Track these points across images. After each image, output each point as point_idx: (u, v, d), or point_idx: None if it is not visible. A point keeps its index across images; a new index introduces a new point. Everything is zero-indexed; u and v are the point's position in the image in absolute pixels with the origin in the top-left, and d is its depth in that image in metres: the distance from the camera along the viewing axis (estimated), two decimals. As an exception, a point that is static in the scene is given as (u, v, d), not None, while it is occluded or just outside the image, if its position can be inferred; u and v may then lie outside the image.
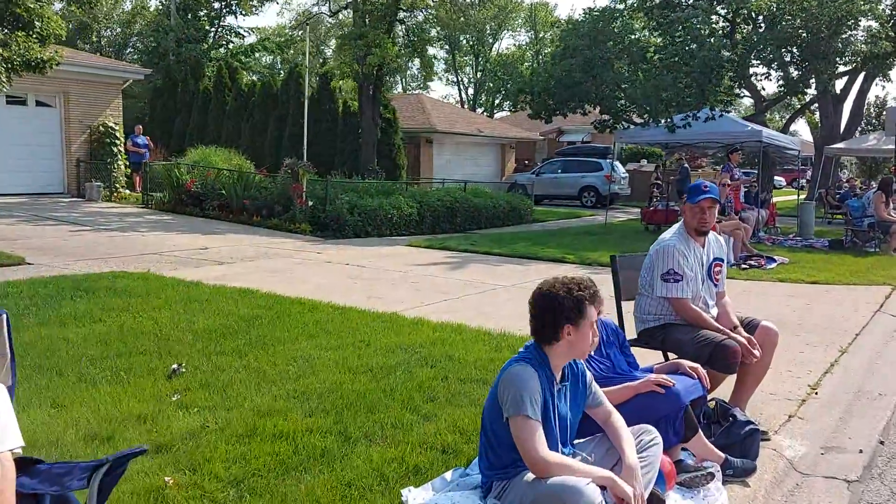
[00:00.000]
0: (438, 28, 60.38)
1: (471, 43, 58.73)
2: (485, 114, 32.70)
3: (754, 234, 14.15)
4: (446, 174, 24.60)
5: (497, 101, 56.12)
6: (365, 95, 18.29)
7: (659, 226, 14.67)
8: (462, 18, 59.44)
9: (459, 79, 61.39)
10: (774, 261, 10.43)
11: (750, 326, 4.26)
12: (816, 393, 4.89)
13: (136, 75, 19.79)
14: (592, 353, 3.19)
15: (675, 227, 4.33)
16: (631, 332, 4.32)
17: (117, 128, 17.90)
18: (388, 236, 13.55)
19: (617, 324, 3.94)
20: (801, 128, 58.29)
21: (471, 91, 59.16)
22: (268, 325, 5.81)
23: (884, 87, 55.48)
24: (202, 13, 29.32)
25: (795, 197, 29.75)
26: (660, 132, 15.56)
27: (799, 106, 22.55)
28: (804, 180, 29.68)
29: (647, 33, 17.08)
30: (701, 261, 4.22)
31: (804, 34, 13.56)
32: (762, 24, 15.70)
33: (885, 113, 16.21)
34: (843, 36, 13.60)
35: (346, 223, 13.07)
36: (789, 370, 5.32)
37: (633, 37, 16.08)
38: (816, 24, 13.79)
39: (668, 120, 15.25)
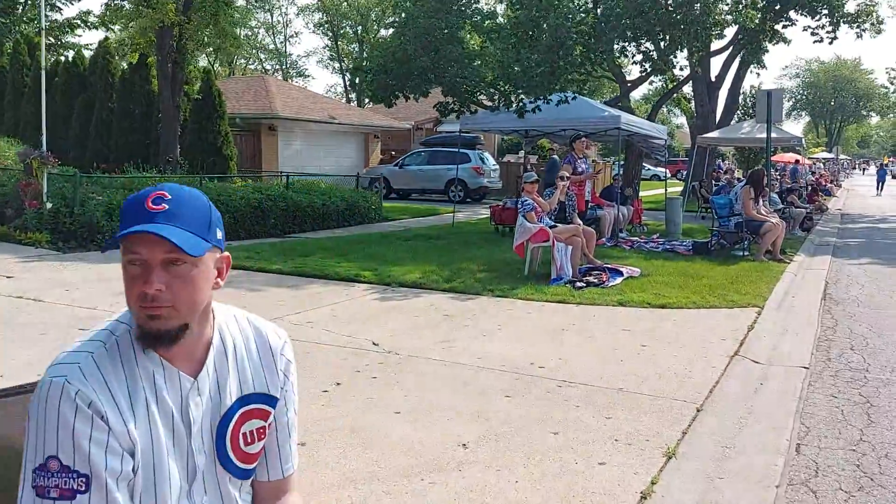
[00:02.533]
0: (321, 13, 57.20)
1: (355, 30, 55.73)
2: (353, 102, 29.94)
3: (613, 235, 12.13)
4: (296, 167, 21.72)
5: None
6: (163, 74, 15.14)
7: (511, 227, 12.47)
8: (345, 3, 56.39)
9: (343, 67, 58.32)
10: (620, 274, 8.30)
11: None
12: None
13: None
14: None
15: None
16: None
17: None
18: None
19: None
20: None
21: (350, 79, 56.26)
22: None
23: (758, 74, 56.35)
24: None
25: (680, 189, 28.67)
26: (510, 118, 13.35)
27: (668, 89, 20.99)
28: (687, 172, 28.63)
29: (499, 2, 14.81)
30: None
31: (664, 1, 11.63)
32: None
33: (756, 98, 14.69)
34: (708, 2, 11.72)
35: (100, 231, 10.09)
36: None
37: (477, 5, 13.76)
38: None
39: (520, 104, 13.04)
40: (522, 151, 26.70)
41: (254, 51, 58.97)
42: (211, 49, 19.61)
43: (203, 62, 59.88)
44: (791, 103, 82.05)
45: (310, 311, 6.58)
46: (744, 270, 9.37)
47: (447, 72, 13.21)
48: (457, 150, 23.80)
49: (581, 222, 9.56)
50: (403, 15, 14.28)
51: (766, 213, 10.95)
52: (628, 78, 16.41)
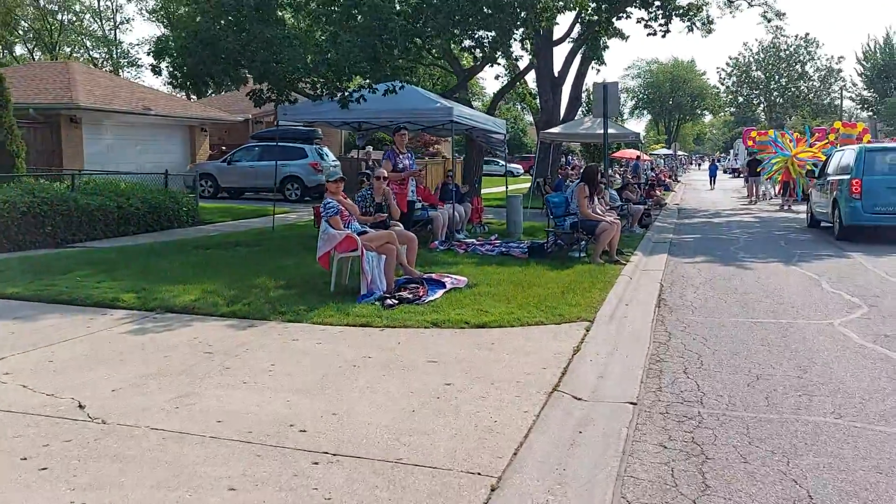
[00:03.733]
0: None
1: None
2: (180, 94, 27.20)
3: (449, 237, 11.14)
4: (108, 163, 19.20)
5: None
6: None
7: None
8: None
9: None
10: (442, 286, 7.23)
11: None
12: None
13: None
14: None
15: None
16: None
17: None
18: None
19: None
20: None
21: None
22: None
23: (598, 71, 58.29)
24: None
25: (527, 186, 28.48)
26: (334, 108, 11.99)
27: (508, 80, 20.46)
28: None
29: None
30: None
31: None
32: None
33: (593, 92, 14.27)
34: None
35: None
36: None
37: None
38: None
39: (343, 93, 11.72)
40: (368, 147, 25.26)
41: (78, 37, 53.74)
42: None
43: (20, 49, 53.84)
44: (634, 102, 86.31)
45: (18, 355, 4.96)
46: (578, 275, 8.61)
47: (258, 56, 11.65)
48: (292, 144, 22.26)
49: (402, 226, 8.43)
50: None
51: (601, 211, 10.34)
52: (465, 67, 15.45)
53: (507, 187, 15.08)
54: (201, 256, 9.57)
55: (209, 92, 23.74)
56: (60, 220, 11.17)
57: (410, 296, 6.60)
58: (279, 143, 22.41)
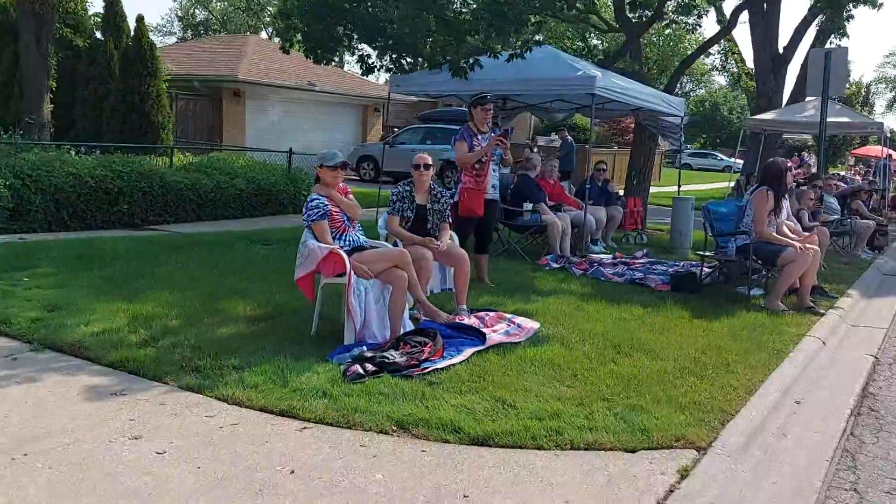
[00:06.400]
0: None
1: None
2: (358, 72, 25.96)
3: (576, 250, 8.41)
4: (274, 141, 18.53)
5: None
6: (26, 12, 11.91)
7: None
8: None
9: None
10: (475, 342, 4.59)
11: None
12: None
13: None
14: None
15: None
16: None
17: None
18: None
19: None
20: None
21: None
22: None
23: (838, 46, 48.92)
24: None
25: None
26: (451, 79, 9.62)
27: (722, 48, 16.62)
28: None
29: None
30: None
31: None
32: None
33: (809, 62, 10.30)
34: None
35: None
36: None
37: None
38: None
39: (462, 59, 9.29)
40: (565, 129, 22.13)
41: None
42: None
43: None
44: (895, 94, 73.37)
45: None
46: (732, 332, 5.49)
47: (370, 18, 9.58)
48: (456, 127, 20.21)
49: (457, 238, 5.88)
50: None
51: (792, 229, 6.95)
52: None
53: (678, 187, 11.69)
54: (245, 254, 7.73)
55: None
56: (140, 199, 9.99)
57: (402, 360, 4.06)
58: (442, 125, 20.66)
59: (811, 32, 20.13)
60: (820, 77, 9.40)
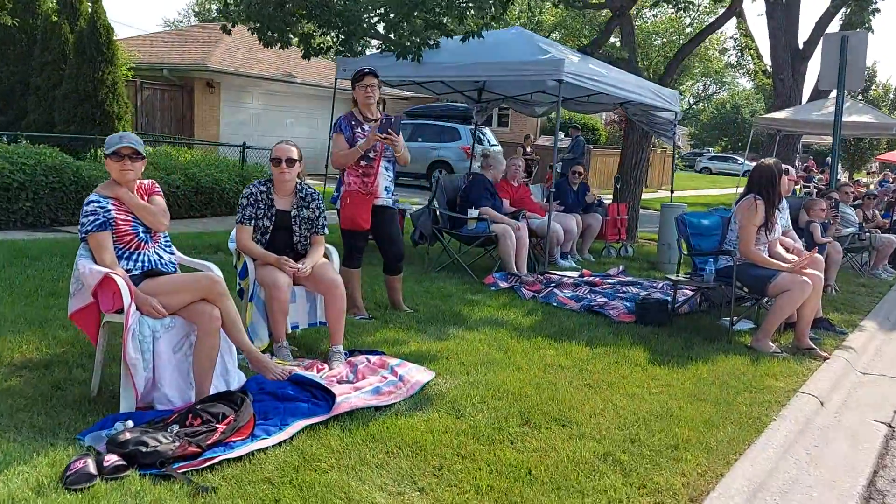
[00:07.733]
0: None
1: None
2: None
3: (538, 264, 7.05)
4: (253, 135, 17.33)
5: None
6: None
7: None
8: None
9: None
10: (296, 416, 3.23)
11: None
12: None
13: None
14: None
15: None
16: None
17: None
18: None
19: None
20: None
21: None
22: None
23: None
24: None
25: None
26: (405, 64, 8.28)
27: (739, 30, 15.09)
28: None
29: None
30: None
31: None
32: None
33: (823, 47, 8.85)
34: None
35: None
36: None
37: None
38: None
39: (413, 42, 7.95)
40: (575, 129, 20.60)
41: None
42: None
43: None
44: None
45: None
46: (698, 388, 4.09)
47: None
48: (446, 124, 18.88)
49: (337, 259, 4.53)
50: None
51: (791, 247, 5.52)
52: None
53: (671, 192, 10.20)
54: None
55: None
56: (47, 196, 8.76)
57: (173, 446, 2.72)
58: (430, 122, 19.32)
59: (834, 27, 18.54)
60: (835, 66, 7.93)
